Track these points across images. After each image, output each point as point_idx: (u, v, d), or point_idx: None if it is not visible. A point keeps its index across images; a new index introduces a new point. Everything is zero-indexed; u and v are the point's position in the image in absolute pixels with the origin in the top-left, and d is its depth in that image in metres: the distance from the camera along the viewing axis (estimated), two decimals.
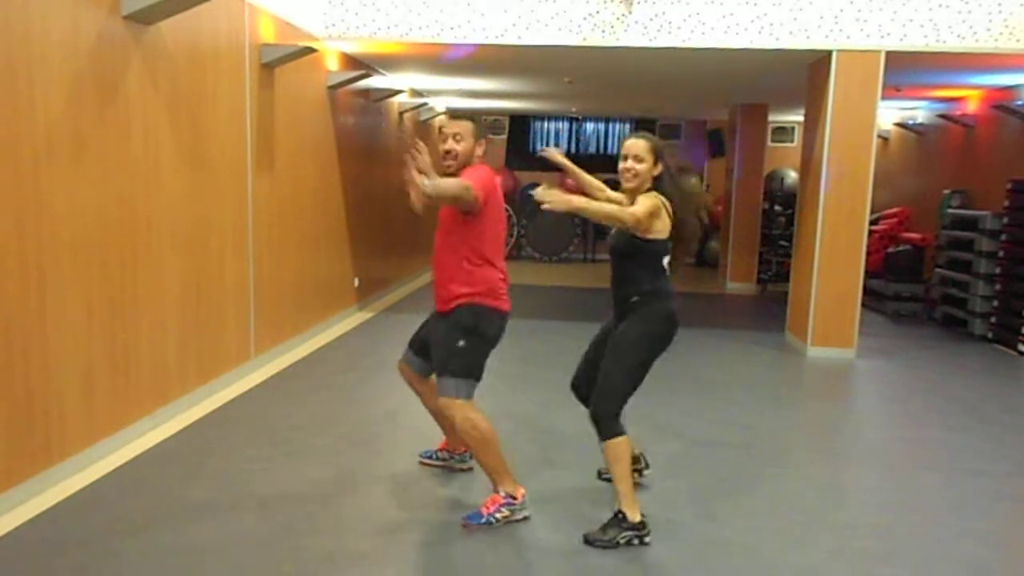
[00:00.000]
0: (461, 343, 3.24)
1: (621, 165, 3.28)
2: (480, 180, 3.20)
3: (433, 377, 3.45)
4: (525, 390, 5.08)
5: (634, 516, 3.12)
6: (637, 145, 3.26)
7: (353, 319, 7.34)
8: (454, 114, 3.44)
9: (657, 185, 3.27)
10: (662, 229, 3.22)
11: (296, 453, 3.92)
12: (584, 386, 3.45)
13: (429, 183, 3.04)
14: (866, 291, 6.78)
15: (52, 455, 3.42)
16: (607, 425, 3.15)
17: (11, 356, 3.17)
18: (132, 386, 3.98)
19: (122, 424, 3.90)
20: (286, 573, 2.80)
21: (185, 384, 4.47)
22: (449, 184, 3.14)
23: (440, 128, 3.36)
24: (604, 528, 3.13)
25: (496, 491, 3.28)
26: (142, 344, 4.05)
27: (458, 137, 3.29)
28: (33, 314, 3.28)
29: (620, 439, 3.13)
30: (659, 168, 3.27)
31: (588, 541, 3.10)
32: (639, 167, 3.24)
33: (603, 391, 3.18)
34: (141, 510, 3.24)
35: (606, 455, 3.18)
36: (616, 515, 3.14)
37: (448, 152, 3.28)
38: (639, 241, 3.24)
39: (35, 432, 3.32)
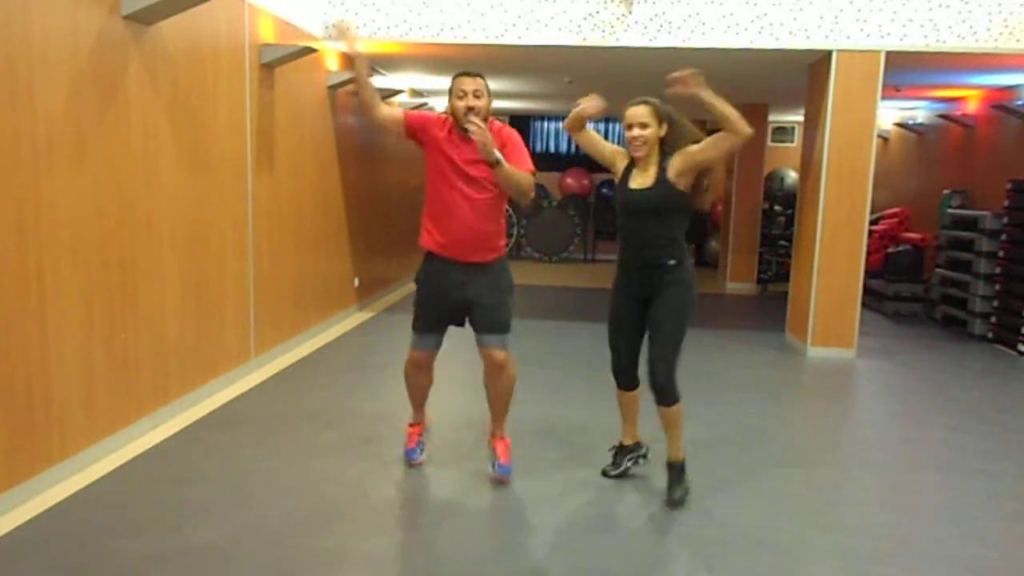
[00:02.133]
0: (508, 299, 3.54)
1: (628, 135, 3.31)
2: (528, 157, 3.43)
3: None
4: (525, 390, 5.07)
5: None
6: (639, 112, 3.28)
7: (353, 319, 7.34)
8: (466, 72, 3.44)
9: (665, 147, 3.32)
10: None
11: (296, 453, 3.92)
12: (632, 367, 3.53)
13: (504, 163, 3.26)
14: (866, 291, 6.78)
15: (52, 455, 3.42)
16: (674, 390, 3.37)
17: (11, 356, 3.17)
18: (132, 386, 3.98)
19: (122, 424, 3.90)
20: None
21: (185, 384, 4.47)
22: (527, 180, 3.33)
23: (459, 86, 3.37)
24: (673, 487, 3.44)
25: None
26: (142, 344, 4.05)
27: (478, 93, 3.36)
28: (33, 314, 3.28)
29: (681, 402, 3.42)
30: (664, 130, 3.31)
31: (674, 504, 3.38)
32: (646, 133, 3.27)
33: (669, 360, 3.35)
34: (141, 510, 3.25)
35: (669, 418, 3.42)
36: (675, 467, 3.48)
37: (471, 108, 3.32)
38: (679, 194, 3.29)
39: (35, 432, 3.32)
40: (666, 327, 3.35)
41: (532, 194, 3.39)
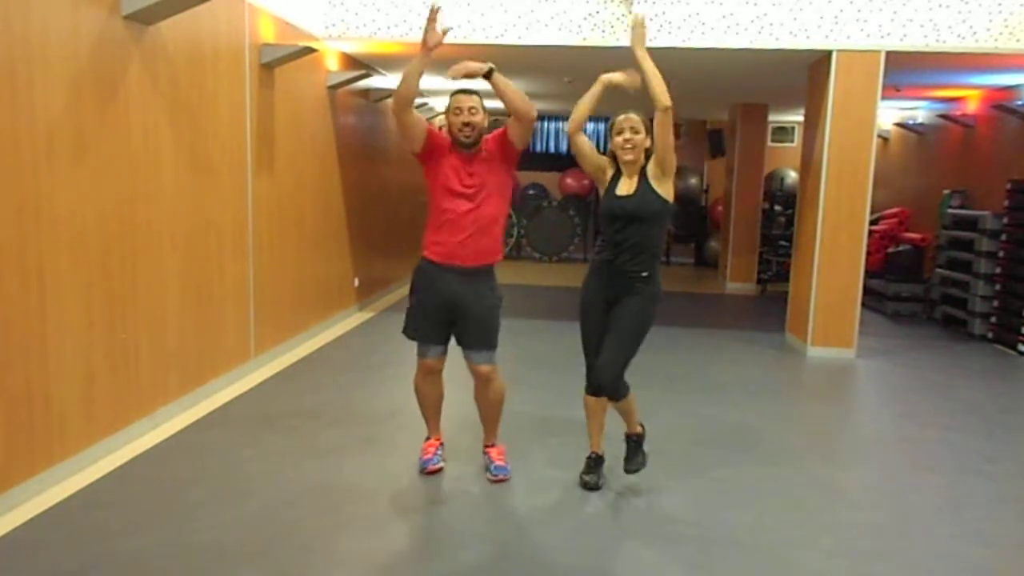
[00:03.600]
0: (497, 309, 3.61)
1: (619, 139, 3.38)
2: None
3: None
4: (524, 391, 5.07)
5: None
6: (631, 117, 3.38)
7: (353, 319, 7.34)
8: (463, 90, 3.54)
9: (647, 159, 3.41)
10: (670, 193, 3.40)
11: (296, 453, 3.92)
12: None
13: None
14: (866, 291, 6.78)
15: (52, 455, 3.42)
16: (623, 386, 3.45)
17: (11, 356, 3.17)
18: (132, 386, 3.98)
19: (122, 424, 3.90)
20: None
21: (185, 384, 4.47)
22: (521, 94, 3.48)
23: (456, 104, 3.47)
24: (631, 458, 3.59)
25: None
26: (142, 344, 4.05)
27: (474, 110, 3.47)
28: (33, 314, 3.28)
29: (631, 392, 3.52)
30: (648, 141, 3.40)
31: (632, 471, 3.58)
32: (637, 138, 3.36)
33: (617, 366, 3.37)
34: (141, 510, 3.25)
35: (623, 408, 3.52)
36: (634, 439, 3.60)
37: (467, 124, 3.45)
38: (667, 203, 3.38)
39: (35, 432, 3.32)
40: (626, 332, 3.39)
41: (534, 113, 3.52)
